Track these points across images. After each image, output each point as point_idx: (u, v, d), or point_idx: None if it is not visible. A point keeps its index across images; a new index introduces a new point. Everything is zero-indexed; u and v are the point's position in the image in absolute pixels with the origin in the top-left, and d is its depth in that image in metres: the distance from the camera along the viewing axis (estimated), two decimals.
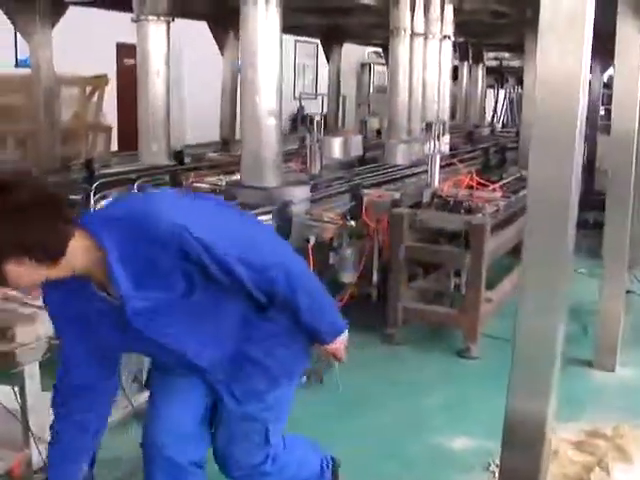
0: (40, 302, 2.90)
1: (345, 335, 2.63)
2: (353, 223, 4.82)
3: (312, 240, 5.02)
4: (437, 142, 5.90)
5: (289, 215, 4.69)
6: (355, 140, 6.61)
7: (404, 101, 6.70)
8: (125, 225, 2.10)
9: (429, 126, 5.89)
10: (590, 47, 2.73)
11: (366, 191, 5.78)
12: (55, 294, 2.29)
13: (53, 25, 7.24)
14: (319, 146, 6.39)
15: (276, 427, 2.65)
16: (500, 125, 15.40)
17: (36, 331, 3.08)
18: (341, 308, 6.00)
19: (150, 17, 5.68)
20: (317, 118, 6.43)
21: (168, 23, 5.81)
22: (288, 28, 10.84)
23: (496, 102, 16.97)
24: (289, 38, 17.33)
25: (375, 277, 6.15)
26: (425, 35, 6.96)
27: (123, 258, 2.08)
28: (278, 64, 4.63)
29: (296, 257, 2.46)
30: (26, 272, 2.01)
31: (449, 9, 7.26)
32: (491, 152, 8.85)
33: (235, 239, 2.22)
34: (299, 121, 19.48)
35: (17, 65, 14.40)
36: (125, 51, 13.18)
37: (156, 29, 5.79)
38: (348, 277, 6.19)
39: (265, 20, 4.51)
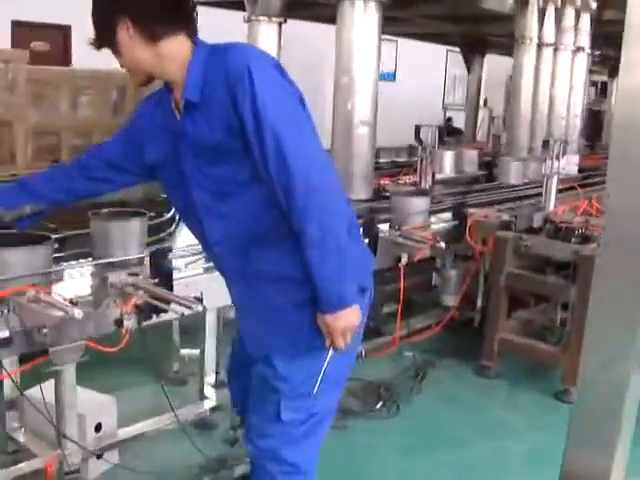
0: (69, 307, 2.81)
1: (353, 315, 2.27)
2: (444, 245, 4.44)
3: (404, 259, 4.70)
4: (556, 162, 5.39)
5: (375, 231, 4.39)
6: (469, 155, 6.18)
7: (526, 116, 6.21)
8: (217, 52, 2.20)
9: (546, 144, 5.39)
10: None
11: (472, 210, 5.38)
12: (144, 107, 2.51)
13: None
14: (431, 160, 6.04)
15: (290, 405, 2.42)
16: None
17: (70, 333, 2.98)
18: (440, 332, 5.80)
19: (261, 17, 5.54)
20: (432, 129, 6.08)
21: (280, 24, 5.66)
22: (422, 35, 10.65)
23: None
24: (441, 48, 16.94)
25: (479, 302, 5.76)
26: (555, 46, 6.43)
27: (204, 75, 2.18)
28: (375, 69, 4.35)
29: (335, 188, 2.20)
30: (130, 41, 2.19)
31: (585, 18, 6.68)
32: None
33: (287, 118, 2.12)
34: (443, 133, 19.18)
35: None
36: None
37: (267, 30, 5.66)
38: (450, 300, 5.85)
39: (363, 19, 4.25)
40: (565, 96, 6.84)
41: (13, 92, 7.90)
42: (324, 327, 2.28)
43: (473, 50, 10.68)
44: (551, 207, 5.44)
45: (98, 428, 3.62)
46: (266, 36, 5.70)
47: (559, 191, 5.61)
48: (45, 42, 13.99)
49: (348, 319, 2.25)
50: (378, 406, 4.60)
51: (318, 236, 2.14)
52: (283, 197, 2.13)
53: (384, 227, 4.63)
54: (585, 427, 2.63)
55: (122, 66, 2.30)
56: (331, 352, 2.34)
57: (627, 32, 2.27)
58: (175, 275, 3.42)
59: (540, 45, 6.24)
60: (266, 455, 2.51)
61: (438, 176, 6.65)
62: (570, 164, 6.44)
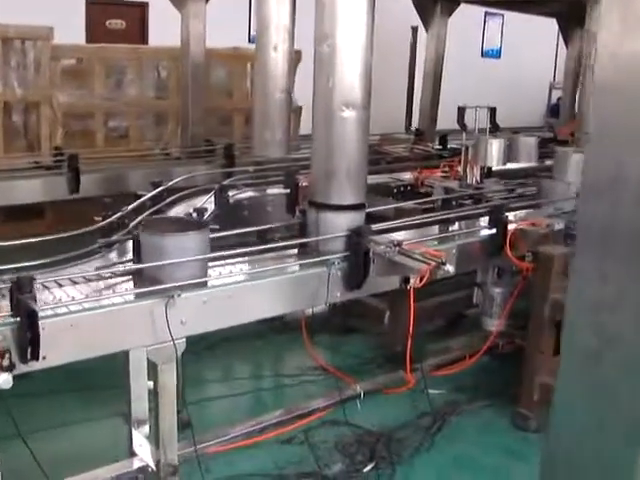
0: None
1: None
2: (450, 268, 3.37)
3: (413, 280, 3.64)
4: None
5: (364, 246, 3.37)
6: (524, 143, 4.98)
7: None
8: None
9: None
10: None
11: (515, 215, 4.26)
12: None
13: None
14: (476, 149, 4.91)
15: None
16: None
17: None
18: (481, 362, 4.69)
19: None
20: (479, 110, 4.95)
21: None
22: (516, 3, 9.33)
23: None
24: (552, 21, 15.37)
25: None
26: None
27: None
28: (366, 33, 3.30)
29: None
30: None
31: None
32: None
33: None
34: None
35: (250, 41, 14.30)
36: None
37: None
38: (492, 324, 4.74)
39: None
40: None
41: (38, 72, 7.37)
42: None
43: (570, 22, 9.28)
44: None
45: None
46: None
47: None
48: (121, 20, 13.67)
49: None
50: (367, 469, 3.59)
51: None
52: None
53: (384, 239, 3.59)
54: None
55: None
56: None
57: None
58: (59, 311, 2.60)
59: None
60: None
61: (499, 167, 5.47)
62: None
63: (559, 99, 17.46)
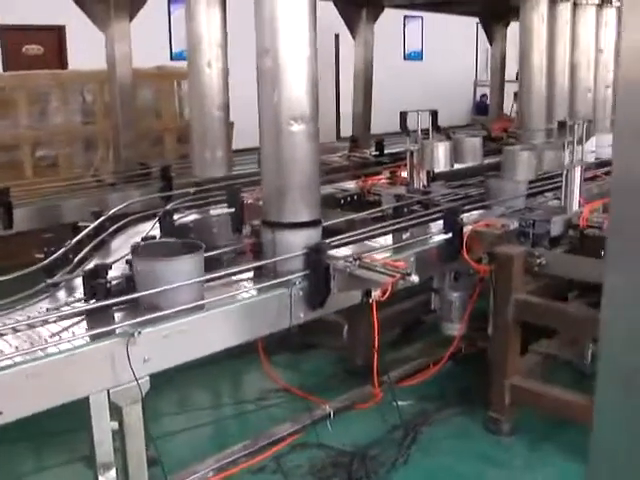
0: None
1: None
2: (415, 278, 3.28)
3: (375, 294, 3.53)
4: (579, 149, 4.17)
5: (324, 262, 3.26)
6: (468, 144, 4.96)
7: (539, 91, 4.92)
8: None
9: (562, 126, 4.15)
10: None
11: (469, 217, 4.22)
12: None
13: (131, 17, 6.29)
14: (421, 153, 4.86)
15: None
16: None
17: None
18: (445, 367, 4.63)
19: None
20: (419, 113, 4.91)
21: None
22: (438, 4, 9.40)
23: None
24: (471, 21, 15.61)
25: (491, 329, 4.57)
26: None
27: None
28: (307, 48, 3.20)
29: None
30: None
31: None
32: None
33: None
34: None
35: (172, 58, 14.05)
36: None
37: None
38: (452, 328, 4.68)
39: None
40: (591, 62, 5.48)
41: None
42: None
43: (494, 19, 9.39)
44: (574, 208, 4.21)
45: None
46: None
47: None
48: (38, 45, 13.27)
49: None
50: None
51: None
52: None
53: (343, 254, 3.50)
54: None
55: None
56: None
57: None
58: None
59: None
60: None
61: (440, 169, 5.42)
62: (602, 147, 5.17)
63: (482, 96, 17.80)
